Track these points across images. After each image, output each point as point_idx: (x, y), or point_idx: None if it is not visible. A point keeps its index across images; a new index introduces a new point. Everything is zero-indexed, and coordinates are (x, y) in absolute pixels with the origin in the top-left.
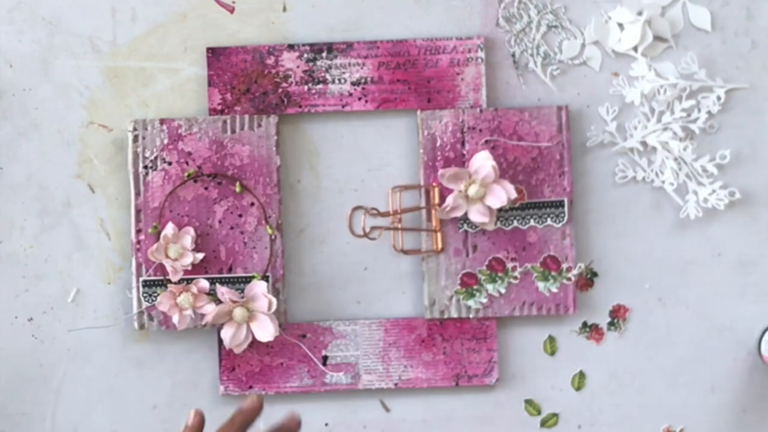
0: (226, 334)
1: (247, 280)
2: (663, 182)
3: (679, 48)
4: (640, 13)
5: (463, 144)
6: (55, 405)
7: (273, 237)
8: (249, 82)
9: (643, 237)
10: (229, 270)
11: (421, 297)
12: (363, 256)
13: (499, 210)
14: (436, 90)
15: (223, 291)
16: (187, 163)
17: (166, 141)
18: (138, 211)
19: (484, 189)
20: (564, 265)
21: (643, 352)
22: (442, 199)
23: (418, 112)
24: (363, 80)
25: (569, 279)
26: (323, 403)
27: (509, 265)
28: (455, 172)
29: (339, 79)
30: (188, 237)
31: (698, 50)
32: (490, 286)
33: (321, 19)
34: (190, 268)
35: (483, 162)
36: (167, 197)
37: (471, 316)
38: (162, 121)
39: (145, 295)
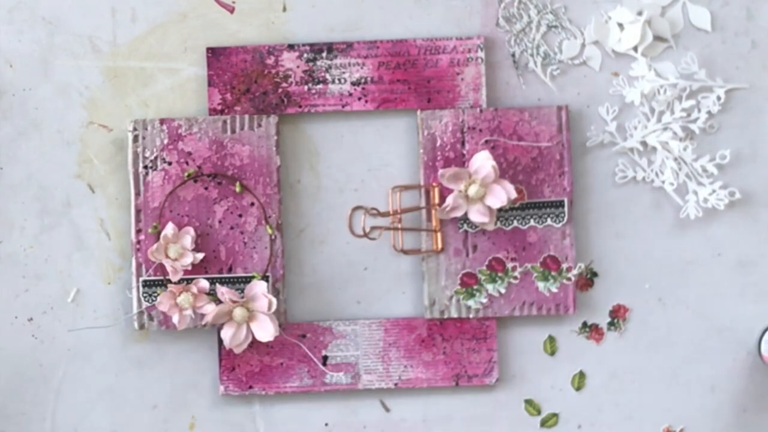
0: (226, 334)
1: (247, 280)
2: (663, 182)
3: (679, 48)
4: (640, 13)
5: (463, 144)
6: (55, 405)
7: (273, 237)
8: (249, 82)
9: (643, 237)
10: (229, 270)
11: (421, 297)
12: (363, 256)
13: (499, 210)
14: (436, 90)
15: (223, 291)
16: (187, 163)
17: (166, 141)
18: (138, 211)
19: (484, 189)
20: (564, 265)
21: (643, 352)
22: (442, 199)
23: (418, 112)
24: (363, 80)
25: (569, 279)
26: (323, 403)
27: (509, 265)
28: (455, 172)
29: (339, 79)
30: (188, 237)
31: (698, 50)
32: (490, 286)
33: (321, 19)
34: (190, 268)
35: (483, 162)
36: (167, 197)
37: (471, 316)
38: (162, 121)
39: (145, 295)
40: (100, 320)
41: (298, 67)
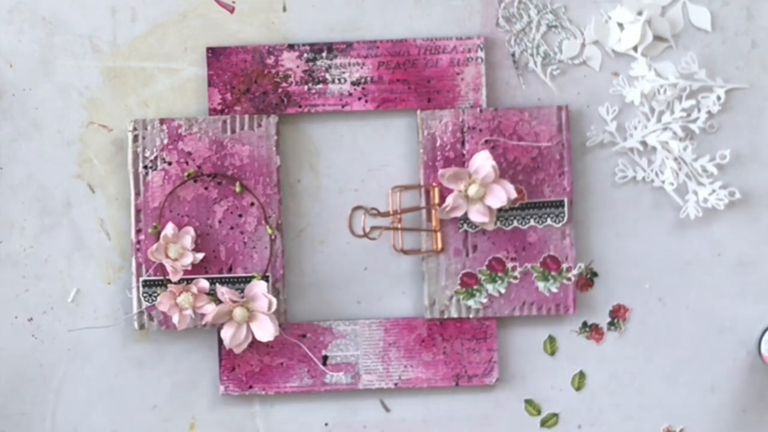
0: (226, 334)
1: (247, 280)
2: (663, 182)
3: (679, 48)
4: (640, 13)
5: (463, 144)
6: (55, 405)
7: (273, 237)
8: (249, 82)
9: (643, 237)
10: (229, 270)
11: (421, 297)
12: (363, 256)
13: (499, 210)
14: (436, 90)
15: (223, 291)
16: (187, 163)
17: (166, 141)
18: (138, 211)
19: (484, 189)
20: (564, 265)
21: (643, 352)
22: (442, 199)
23: (418, 112)
24: (363, 80)
25: (569, 279)
26: (323, 403)
27: (509, 265)
28: (455, 172)
29: (339, 79)
30: (188, 237)
31: (698, 50)
32: (490, 286)
33: (321, 19)
34: (190, 268)
35: (483, 162)
36: (167, 197)
37: (471, 316)
38: (162, 121)
39: (145, 295)
40: (100, 320)
41: (298, 67)
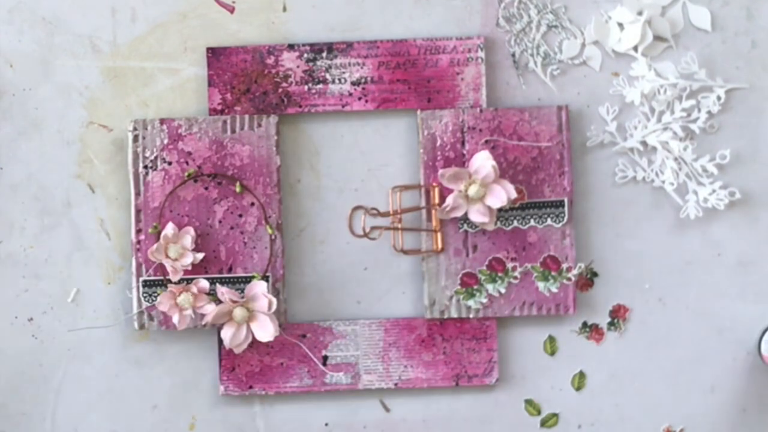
0: (226, 334)
1: (247, 280)
2: (663, 182)
3: (679, 48)
4: (640, 13)
5: (463, 144)
6: (55, 405)
7: (273, 237)
8: (249, 82)
9: (643, 237)
10: (229, 270)
11: (421, 297)
12: (363, 256)
13: (499, 210)
14: (436, 90)
15: (223, 291)
16: (187, 163)
17: (166, 141)
18: (138, 211)
19: (484, 189)
20: (564, 265)
21: (643, 352)
22: (442, 199)
23: (418, 112)
24: (363, 80)
25: (569, 279)
26: (323, 403)
27: (509, 265)
28: (455, 172)
29: (339, 79)
30: (188, 237)
31: (698, 50)
32: (490, 286)
33: (321, 19)
34: (190, 268)
35: (483, 162)
36: (167, 197)
37: (471, 316)
38: (162, 121)
39: (145, 295)
40: (100, 320)
41: (298, 67)
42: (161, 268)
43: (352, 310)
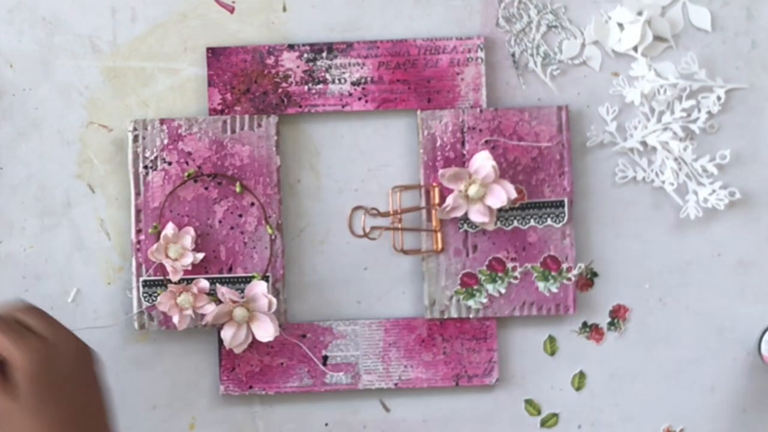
0: (226, 334)
1: (247, 280)
2: (663, 182)
3: (679, 48)
4: (640, 13)
5: (463, 144)
6: None
7: (273, 237)
8: (249, 82)
9: (643, 237)
10: (229, 270)
11: (421, 297)
12: (363, 256)
13: (499, 210)
14: (436, 90)
15: (223, 291)
16: (187, 163)
17: (166, 141)
18: (138, 211)
19: (484, 189)
20: (564, 265)
21: (643, 352)
22: (442, 199)
23: (418, 112)
24: (363, 80)
25: (569, 279)
26: (323, 403)
27: (509, 265)
28: (455, 172)
29: (339, 79)
30: (188, 237)
31: (698, 50)
32: (490, 286)
33: (321, 19)
34: (190, 268)
35: (483, 162)
36: (167, 197)
37: (471, 316)
38: (162, 121)
39: (145, 295)
40: (100, 320)
41: (298, 67)
42: (161, 268)
43: (352, 310)
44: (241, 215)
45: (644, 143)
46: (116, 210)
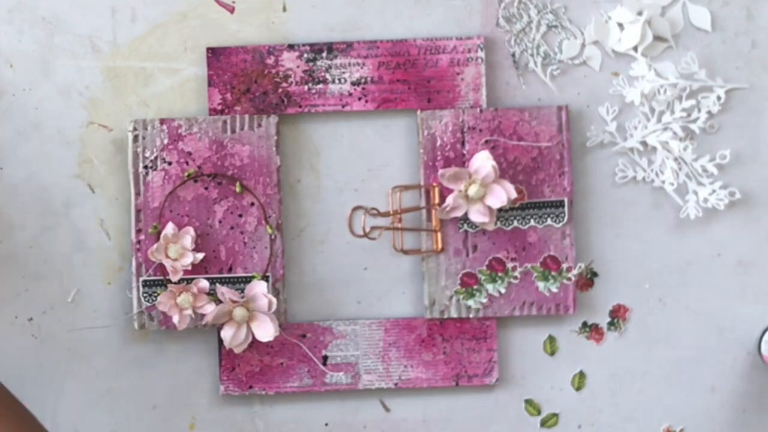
0: (226, 334)
1: (247, 280)
2: (663, 182)
3: (679, 48)
4: (640, 13)
5: (463, 144)
6: (55, 405)
7: (273, 237)
8: (249, 82)
9: (643, 237)
10: (229, 270)
11: (421, 297)
12: (363, 256)
13: (499, 210)
14: (436, 90)
15: (223, 291)
16: (187, 163)
17: (166, 141)
18: (138, 211)
19: (484, 189)
20: (564, 265)
21: (643, 352)
22: (442, 199)
23: (418, 112)
24: (363, 80)
25: (569, 279)
26: (323, 403)
27: (509, 265)
28: (455, 172)
29: (339, 79)
30: (188, 237)
31: (698, 50)
32: (490, 286)
33: (321, 19)
34: (190, 268)
35: (483, 162)
36: (167, 197)
37: (471, 316)
38: (162, 121)
39: (145, 295)
40: (100, 320)
41: (298, 67)
42: (161, 268)
43: (352, 310)
44: (241, 215)
45: (644, 143)
46: (116, 210)
